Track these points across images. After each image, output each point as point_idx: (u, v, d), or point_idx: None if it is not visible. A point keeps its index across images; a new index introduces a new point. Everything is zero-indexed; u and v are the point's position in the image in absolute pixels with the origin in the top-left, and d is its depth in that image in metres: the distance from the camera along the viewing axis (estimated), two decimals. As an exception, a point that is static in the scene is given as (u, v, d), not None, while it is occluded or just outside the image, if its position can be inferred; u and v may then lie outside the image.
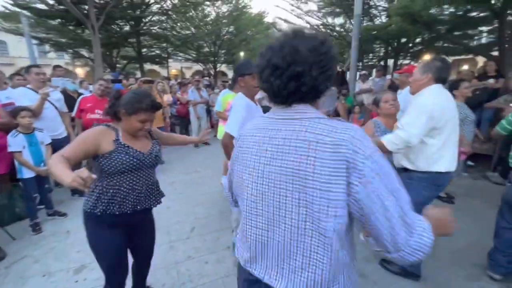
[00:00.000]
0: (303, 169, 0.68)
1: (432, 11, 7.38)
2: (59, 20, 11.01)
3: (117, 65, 15.60)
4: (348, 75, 6.62)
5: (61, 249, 2.46)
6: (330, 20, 13.59)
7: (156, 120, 4.67)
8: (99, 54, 9.66)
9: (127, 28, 13.73)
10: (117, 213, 1.34)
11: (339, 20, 13.45)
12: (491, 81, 5.00)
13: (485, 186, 3.85)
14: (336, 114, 4.84)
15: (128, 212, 1.37)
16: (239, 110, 1.81)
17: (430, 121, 1.64)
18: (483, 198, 3.39)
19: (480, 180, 4.06)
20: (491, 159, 4.29)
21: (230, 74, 25.39)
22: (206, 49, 18.40)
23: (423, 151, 1.75)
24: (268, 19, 18.82)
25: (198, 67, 21.39)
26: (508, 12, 5.92)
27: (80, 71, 21.84)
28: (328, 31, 13.43)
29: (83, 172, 0.97)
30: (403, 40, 11.44)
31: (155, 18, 13.88)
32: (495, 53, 6.02)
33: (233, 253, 2.15)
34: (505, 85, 4.74)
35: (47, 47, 13.14)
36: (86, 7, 9.09)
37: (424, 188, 1.79)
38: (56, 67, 4.69)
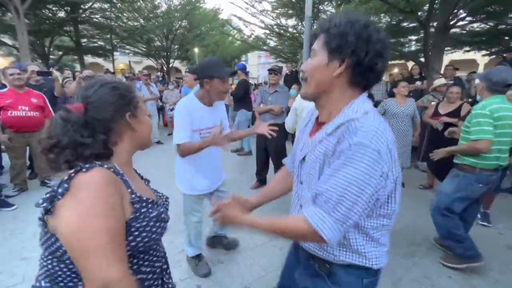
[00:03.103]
0: None
1: (372, 19, 8.15)
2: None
3: (51, 56, 13.71)
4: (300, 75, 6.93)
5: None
6: (283, 21, 14.00)
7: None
8: (26, 42, 8.36)
9: (62, 14, 12.12)
10: None
11: (292, 22, 13.94)
12: (418, 83, 5.76)
13: (415, 174, 4.41)
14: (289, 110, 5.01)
15: None
16: (180, 119, 1.72)
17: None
18: (415, 185, 3.88)
19: (411, 169, 4.63)
20: (418, 150, 4.93)
21: (184, 70, 24.34)
22: (158, 43, 17.32)
23: None
24: (223, 15, 18.58)
25: (149, 62, 20.03)
26: (431, 24, 6.86)
27: (3, 62, 18.64)
28: (282, 31, 13.84)
29: None
30: (348, 44, 12.41)
31: (97, 5, 12.53)
32: (422, 59, 6.93)
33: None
34: (429, 86, 5.50)
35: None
36: (7, -15, 7.76)
37: None
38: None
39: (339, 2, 11.23)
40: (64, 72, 5.21)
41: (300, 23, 12.85)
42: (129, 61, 20.83)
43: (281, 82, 3.75)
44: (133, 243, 0.69)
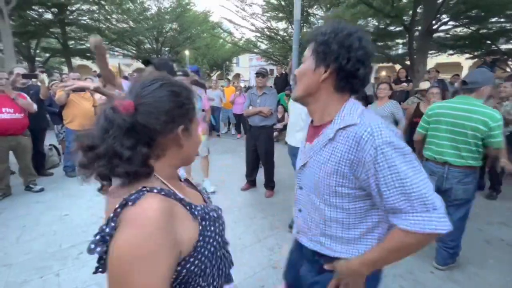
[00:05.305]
0: None
1: (360, 22, 8.35)
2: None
3: (37, 58, 13.42)
4: (291, 77, 7.00)
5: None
6: (274, 24, 14.13)
7: (86, 119, 4.17)
8: (11, 44, 8.16)
9: (48, 15, 11.89)
10: None
11: (282, 25, 14.08)
12: (405, 84, 5.93)
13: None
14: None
15: None
16: None
17: None
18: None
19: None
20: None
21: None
22: (148, 46, 17.17)
23: None
24: (213, 18, 18.61)
25: (140, 64, 19.82)
26: (416, 28, 7.08)
27: (-15, 64, 18.10)
28: (272, 34, 13.96)
29: None
30: (337, 47, 12.62)
31: (85, 7, 12.36)
32: (408, 62, 7.13)
33: None
34: (414, 88, 5.67)
35: None
36: (-10, -14, 7.57)
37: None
38: None
39: (328, 6, 11.42)
40: (53, 75, 5.12)
41: (290, 26, 12.99)
42: (119, 64, 20.56)
43: (269, 84, 3.81)
44: (212, 249, 0.66)
